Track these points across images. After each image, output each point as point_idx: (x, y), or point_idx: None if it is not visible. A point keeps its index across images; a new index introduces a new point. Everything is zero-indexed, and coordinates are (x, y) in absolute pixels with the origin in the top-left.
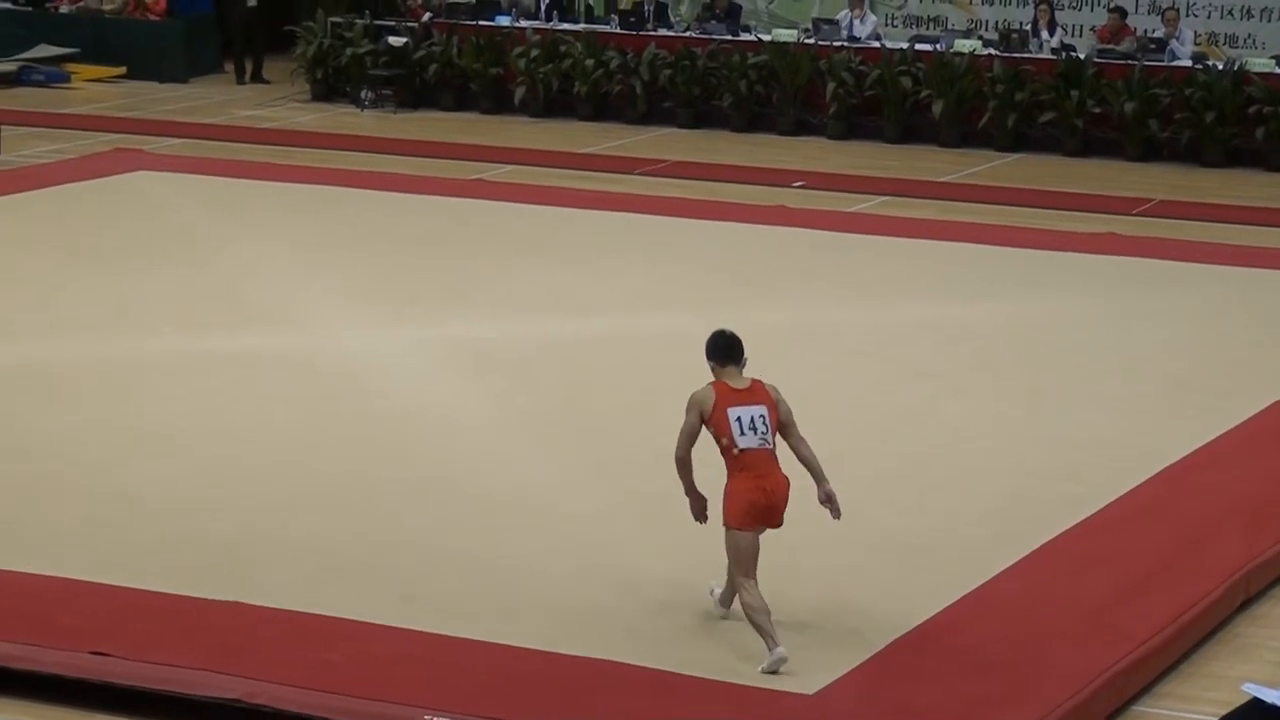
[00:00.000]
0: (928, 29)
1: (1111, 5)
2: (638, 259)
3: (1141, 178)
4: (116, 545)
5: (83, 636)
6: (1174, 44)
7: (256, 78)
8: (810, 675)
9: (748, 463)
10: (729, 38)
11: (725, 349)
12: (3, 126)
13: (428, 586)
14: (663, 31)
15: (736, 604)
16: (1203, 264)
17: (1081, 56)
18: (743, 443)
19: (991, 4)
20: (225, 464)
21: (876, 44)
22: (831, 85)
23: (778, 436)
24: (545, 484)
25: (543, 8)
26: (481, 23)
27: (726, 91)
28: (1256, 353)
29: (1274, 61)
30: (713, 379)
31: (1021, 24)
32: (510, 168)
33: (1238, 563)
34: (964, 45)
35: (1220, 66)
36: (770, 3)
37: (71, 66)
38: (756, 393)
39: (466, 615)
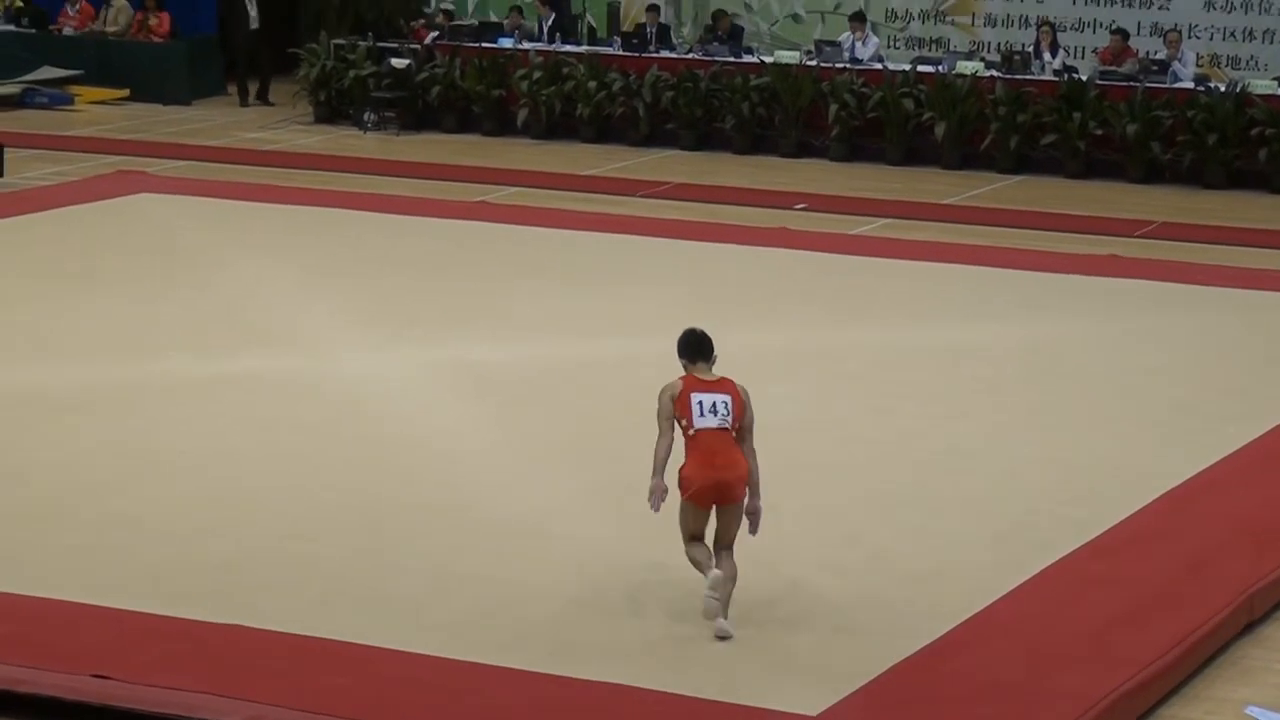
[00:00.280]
0: (930, 51)
1: (1113, 27)
2: (640, 281)
3: (1144, 200)
4: (119, 569)
5: (85, 659)
6: (1176, 66)
7: (263, 100)
8: (814, 697)
9: (703, 442)
10: (731, 60)
11: (695, 346)
12: (6, 148)
13: (435, 610)
14: (665, 53)
15: (730, 624)
16: (1205, 286)
17: (1084, 78)
18: (700, 423)
19: (994, 26)
20: (228, 487)
21: (878, 66)
22: (834, 107)
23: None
24: (550, 507)
25: (545, 30)
26: (484, 45)
27: (729, 113)
28: (1260, 375)
29: (1276, 83)
30: (682, 374)
31: (1024, 46)
32: (513, 190)
33: (1242, 586)
34: (966, 67)
35: (1222, 88)
36: (772, 25)
37: (75, 89)
38: (724, 385)
39: (475, 639)
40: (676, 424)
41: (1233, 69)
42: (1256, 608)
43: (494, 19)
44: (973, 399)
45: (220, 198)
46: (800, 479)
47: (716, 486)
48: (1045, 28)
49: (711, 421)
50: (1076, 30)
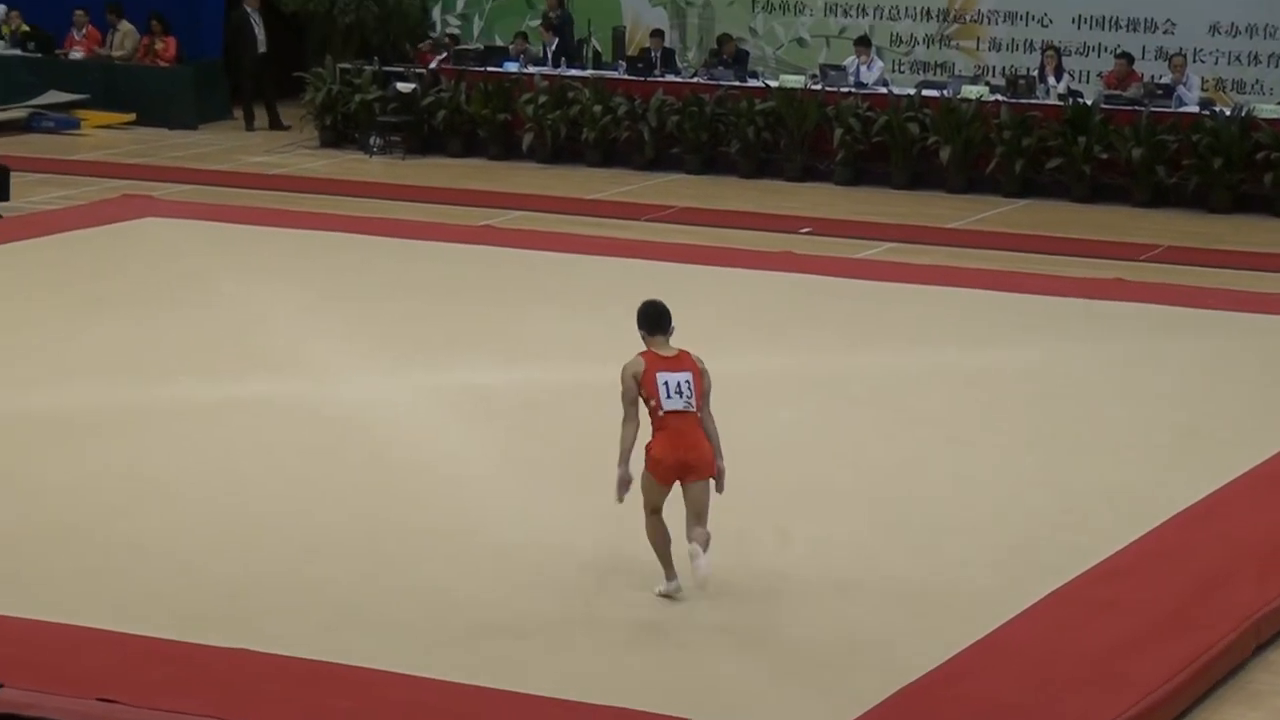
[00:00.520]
0: (935, 75)
1: (1118, 51)
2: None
3: (1149, 223)
4: (125, 592)
5: (91, 683)
6: (1181, 90)
7: (275, 124)
8: None
9: (670, 424)
10: (736, 84)
11: (655, 318)
12: (12, 173)
13: (440, 634)
14: (670, 78)
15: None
16: (1211, 310)
17: (1089, 103)
18: (668, 405)
19: (998, 50)
20: (235, 511)
21: (884, 90)
22: (839, 131)
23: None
24: (555, 531)
25: (549, 54)
26: (489, 69)
27: (734, 137)
28: (1266, 399)
29: None
30: (643, 348)
31: (1029, 70)
32: (518, 214)
33: (1249, 610)
34: (971, 91)
35: (1228, 112)
36: (777, 49)
37: (81, 113)
38: (683, 360)
39: (480, 663)
40: (644, 404)
41: (1238, 93)
42: (1263, 632)
43: (499, 43)
44: (978, 423)
45: (226, 222)
46: (807, 503)
47: (681, 466)
48: (1050, 52)
49: (678, 404)
50: (1081, 54)
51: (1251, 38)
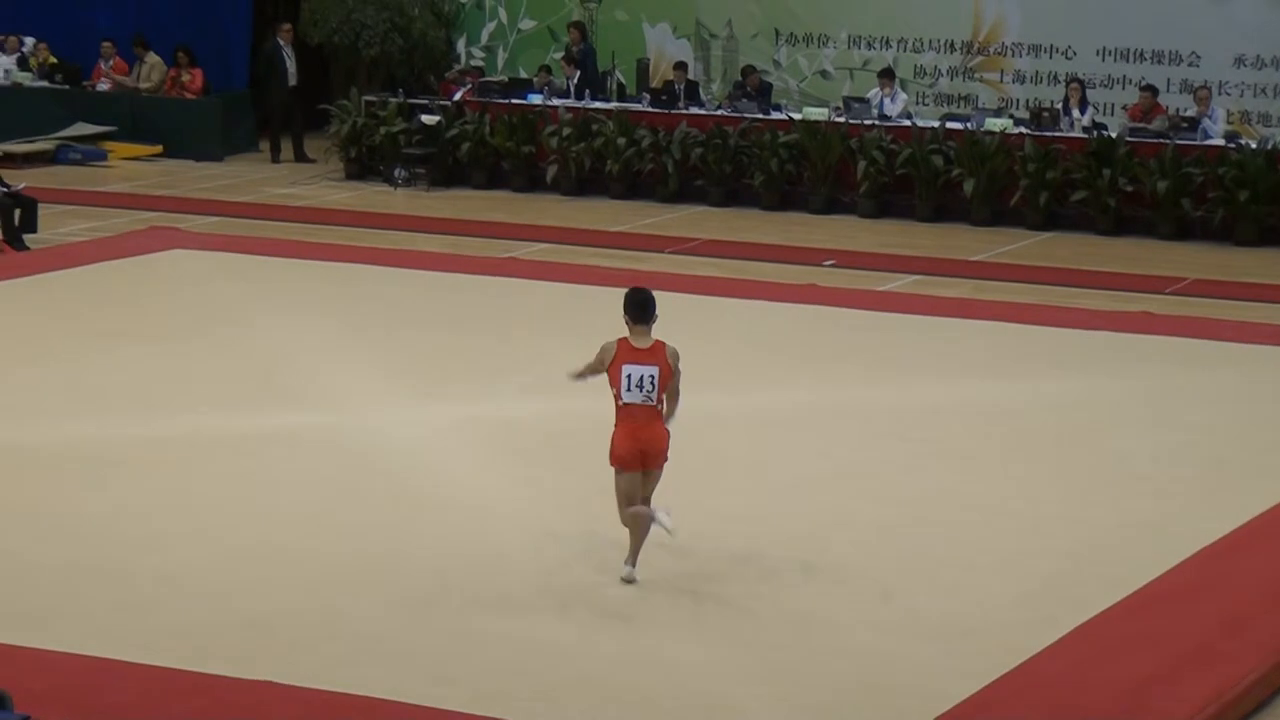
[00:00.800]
0: (958, 107)
1: (1143, 84)
2: (668, 337)
3: (1175, 256)
4: (151, 625)
5: (117, 716)
6: (1206, 123)
7: (300, 156)
8: None
9: (629, 414)
10: (760, 116)
11: (639, 307)
12: (40, 204)
13: (462, 667)
14: (694, 110)
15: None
16: (1237, 343)
17: (1113, 135)
18: (627, 397)
19: (1022, 83)
20: (258, 544)
21: (907, 122)
22: (862, 164)
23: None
24: (579, 565)
25: (573, 87)
26: (514, 101)
27: (758, 170)
28: None
29: None
30: (625, 333)
31: (1053, 103)
32: (542, 246)
33: (1276, 643)
34: (995, 124)
35: (1253, 145)
36: (801, 81)
37: (108, 145)
38: (655, 353)
39: (501, 696)
40: (611, 388)
41: (1263, 126)
42: None
43: (524, 76)
44: (1003, 456)
45: (252, 254)
46: (831, 536)
47: (641, 455)
48: (1074, 84)
49: (636, 397)
50: (1106, 87)
51: (1277, 70)
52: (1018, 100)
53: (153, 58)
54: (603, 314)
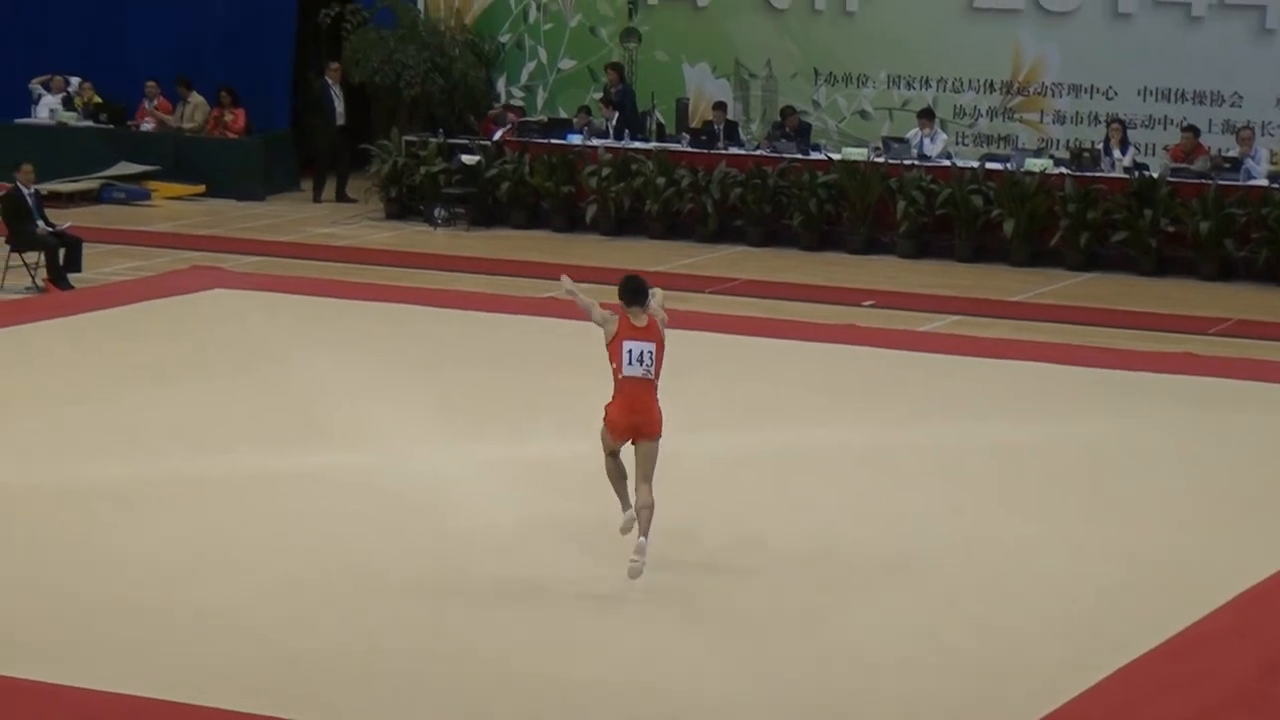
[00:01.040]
0: (998, 148)
1: (1184, 124)
2: (708, 378)
3: (1218, 297)
4: (188, 663)
5: None
6: (1249, 163)
7: (341, 197)
8: None
9: (627, 388)
10: (799, 156)
11: (632, 292)
12: (85, 243)
13: (499, 705)
14: (733, 150)
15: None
16: None
17: (1155, 175)
18: (627, 370)
19: (1062, 123)
20: (297, 582)
21: (947, 162)
22: (902, 204)
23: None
24: (617, 604)
25: (612, 127)
26: (553, 141)
27: (797, 210)
28: None
29: None
30: (621, 313)
31: (1093, 143)
32: (582, 286)
33: None
34: (1035, 164)
35: None
36: (840, 121)
37: (152, 184)
38: (650, 330)
39: None
40: (610, 363)
41: None
42: None
43: (563, 116)
44: (1044, 496)
45: (292, 293)
46: (870, 575)
47: (633, 427)
48: (1115, 125)
49: (637, 370)
50: (1147, 127)
51: None
52: (1057, 140)
53: (196, 98)
54: None
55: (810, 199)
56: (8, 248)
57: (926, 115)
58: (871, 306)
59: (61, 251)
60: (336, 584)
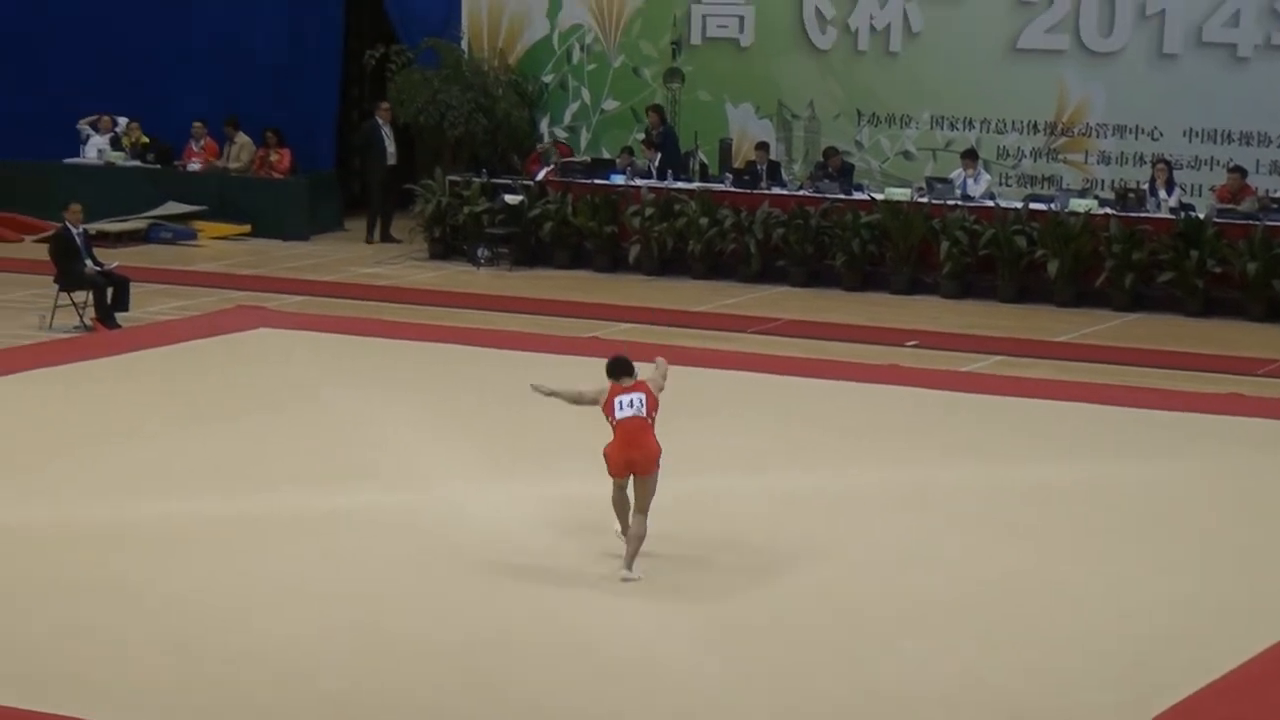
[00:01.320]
0: (1042, 188)
1: (1231, 165)
2: (750, 417)
3: (1266, 338)
4: (230, 703)
5: None
6: None
7: (385, 237)
8: None
9: (622, 428)
10: (842, 196)
11: (618, 369)
12: (132, 283)
13: None
14: (776, 190)
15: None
16: None
17: (1201, 216)
18: (620, 415)
19: (1107, 163)
20: (339, 622)
21: (990, 203)
22: (945, 244)
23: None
24: (662, 646)
25: (654, 168)
26: (596, 181)
27: (839, 250)
28: None
29: None
30: (610, 384)
31: (1138, 183)
32: (625, 325)
33: None
34: (1079, 204)
35: None
36: (883, 162)
37: (198, 224)
38: (638, 386)
39: None
40: (608, 422)
41: None
42: None
43: (606, 156)
44: (1089, 538)
45: (337, 332)
46: (914, 617)
47: (629, 463)
48: (1161, 165)
49: (629, 412)
50: (1193, 168)
51: None
52: (1102, 181)
53: (242, 138)
54: (685, 393)
55: (853, 239)
56: (57, 287)
57: (970, 156)
58: (914, 347)
59: (109, 291)
60: (375, 624)
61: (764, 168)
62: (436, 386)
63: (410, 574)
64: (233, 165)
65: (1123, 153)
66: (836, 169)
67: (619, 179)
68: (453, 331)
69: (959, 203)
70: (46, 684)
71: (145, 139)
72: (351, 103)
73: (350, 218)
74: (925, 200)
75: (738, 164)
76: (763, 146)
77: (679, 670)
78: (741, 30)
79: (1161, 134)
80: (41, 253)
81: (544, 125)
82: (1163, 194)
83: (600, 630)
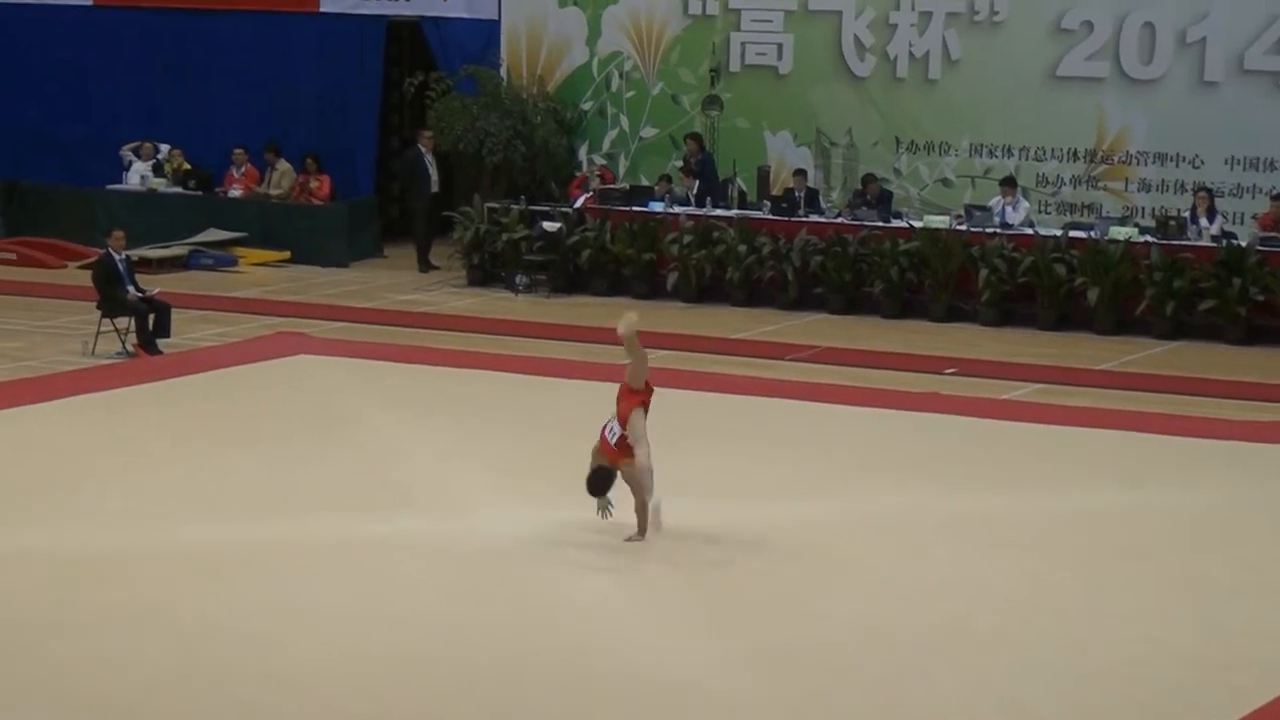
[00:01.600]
0: (1082, 216)
1: (1274, 193)
2: (788, 445)
3: None
4: None
5: None
6: None
7: (424, 263)
8: None
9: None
10: (880, 224)
11: (595, 487)
12: (173, 309)
13: None
14: (814, 218)
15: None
16: None
17: (1243, 244)
18: (610, 437)
19: (1147, 191)
20: (377, 649)
21: (1029, 230)
22: (984, 272)
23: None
24: (693, 671)
25: (693, 196)
26: (635, 209)
27: (878, 278)
28: None
29: None
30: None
31: (1179, 211)
32: (663, 353)
33: None
34: (1119, 232)
35: None
36: (922, 189)
37: (239, 250)
38: (620, 415)
39: None
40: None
41: None
42: None
43: (645, 183)
44: (1129, 566)
45: (375, 359)
46: (952, 645)
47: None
48: (1202, 193)
49: (612, 439)
50: (1235, 196)
51: None
52: (1142, 209)
53: (283, 165)
54: (724, 420)
55: (891, 267)
56: (99, 313)
57: (1009, 183)
58: (953, 374)
59: (151, 317)
60: (413, 650)
61: (802, 195)
62: (474, 413)
63: (445, 600)
64: (273, 192)
65: (1163, 180)
66: (875, 196)
67: (657, 206)
68: (491, 358)
69: (998, 230)
70: (79, 712)
71: (187, 165)
72: (391, 130)
73: (389, 244)
74: (964, 228)
75: (776, 191)
76: (801, 174)
77: (714, 694)
78: (780, 58)
79: (1203, 162)
80: (84, 279)
81: (582, 152)
82: (1204, 222)
83: (634, 656)
